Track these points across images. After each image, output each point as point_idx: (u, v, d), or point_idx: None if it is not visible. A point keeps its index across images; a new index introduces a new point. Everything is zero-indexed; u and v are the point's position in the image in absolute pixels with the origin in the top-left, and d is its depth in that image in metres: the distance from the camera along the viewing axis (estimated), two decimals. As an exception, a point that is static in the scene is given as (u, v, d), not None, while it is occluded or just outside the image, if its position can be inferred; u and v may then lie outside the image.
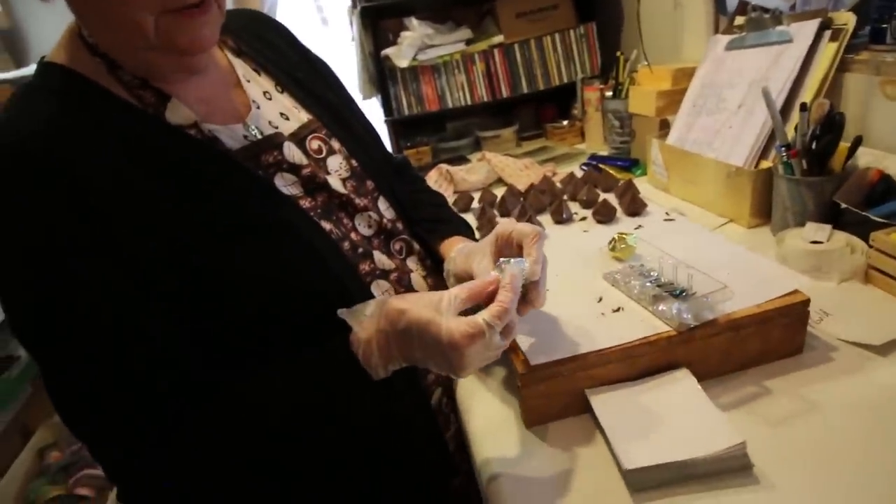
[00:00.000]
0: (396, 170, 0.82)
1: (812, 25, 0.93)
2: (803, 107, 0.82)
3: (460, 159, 1.62)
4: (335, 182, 0.63)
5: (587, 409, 0.59)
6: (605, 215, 0.94)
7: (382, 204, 0.69)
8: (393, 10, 1.64)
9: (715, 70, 1.10)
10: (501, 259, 0.54)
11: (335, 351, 0.51)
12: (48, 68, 0.54)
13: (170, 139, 0.54)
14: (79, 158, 0.49)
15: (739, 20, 1.11)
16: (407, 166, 0.88)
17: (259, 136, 0.59)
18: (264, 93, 0.65)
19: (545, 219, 1.00)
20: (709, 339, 0.60)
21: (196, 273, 0.51)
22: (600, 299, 0.68)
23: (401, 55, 1.59)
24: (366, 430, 0.58)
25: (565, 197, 1.05)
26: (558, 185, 1.14)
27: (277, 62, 0.69)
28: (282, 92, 0.67)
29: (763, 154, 0.96)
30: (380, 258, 0.64)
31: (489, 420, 0.63)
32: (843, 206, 0.80)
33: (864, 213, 0.77)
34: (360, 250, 0.62)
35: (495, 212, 1.07)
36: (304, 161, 0.61)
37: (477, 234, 0.97)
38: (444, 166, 1.36)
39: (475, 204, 1.18)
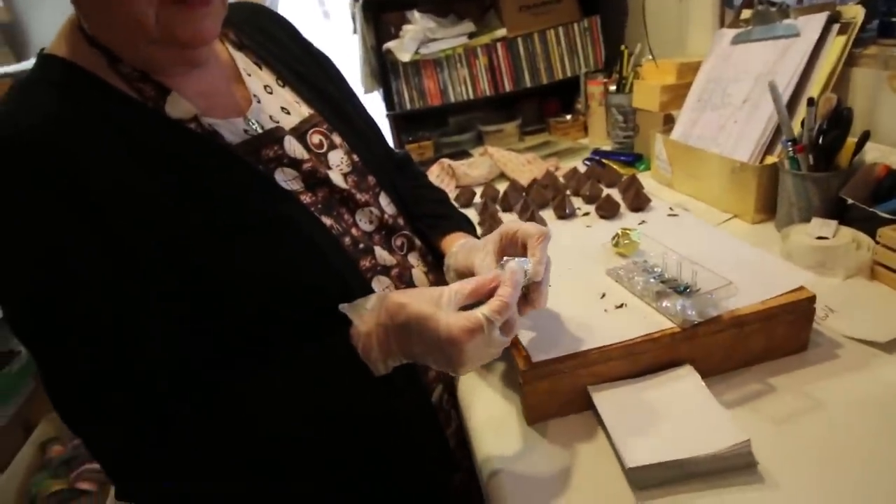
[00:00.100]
0: (398, 165, 0.81)
1: (820, 19, 0.92)
2: (811, 101, 0.81)
3: (462, 154, 1.61)
4: (336, 177, 0.63)
5: (589, 405, 0.59)
6: (608, 210, 0.93)
7: (384, 199, 0.68)
8: (395, 3, 1.63)
9: (720, 64, 1.09)
10: (505, 258, 0.54)
11: (335, 346, 0.51)
12: (48, 60, 0.53)
13: (169, 133, 0.53)
14: (78, 152, 0.48)
15: (746, 14, 1.10)
16: (408, 161, 0.87)
17: (259, 131, 0.59)
18: (265, 87, 0.64)
19: (548, 214, 0.99)
20: (713, 336, 0.60)
21: (195, 268, 0.51)
22: (603, 295, 0.67)
23: (403, 49, 1.57)
24: (366, 427, 0.58)
25: (568, 192, 1.05)
26: (561, 179, 1.13)
27: (279, 56, 0.68)
28: (283, 86, 0.66)
29: (768, 149, 0.95)
30: (381, 254, 0.64)
31: (490, 416, 0.63)
32: (850, 201, 0.80)
33: (870, 209, 0.77)
34: (361, 246, 0.62)
35: (497, 207, 1.06)
36: (305, 156, 0.60)
37: (479, 230, 0.97)
38: (445, 161, 1.35)
39: (477, 199, 1.18)
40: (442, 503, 0.70)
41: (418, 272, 0.69)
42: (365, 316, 0.51)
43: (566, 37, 1.64)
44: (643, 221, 0.89)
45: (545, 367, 0.57)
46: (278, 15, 0.75)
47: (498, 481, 0.55)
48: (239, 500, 0.54)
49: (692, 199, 1.07)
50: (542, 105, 1.78)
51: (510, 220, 0.98)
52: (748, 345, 0.61)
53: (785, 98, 0.90)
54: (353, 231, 0.63)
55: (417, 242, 0.71)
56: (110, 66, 0.53)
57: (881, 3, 0.91)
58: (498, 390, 0.66)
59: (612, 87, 1.38)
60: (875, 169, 0.81)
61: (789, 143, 0.84)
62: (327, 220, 0.60)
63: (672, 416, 0.54)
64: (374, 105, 1.77)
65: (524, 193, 1.07)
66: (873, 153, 0.83)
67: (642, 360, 0.59)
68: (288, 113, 0.63)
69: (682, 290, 0.62)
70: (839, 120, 0.81)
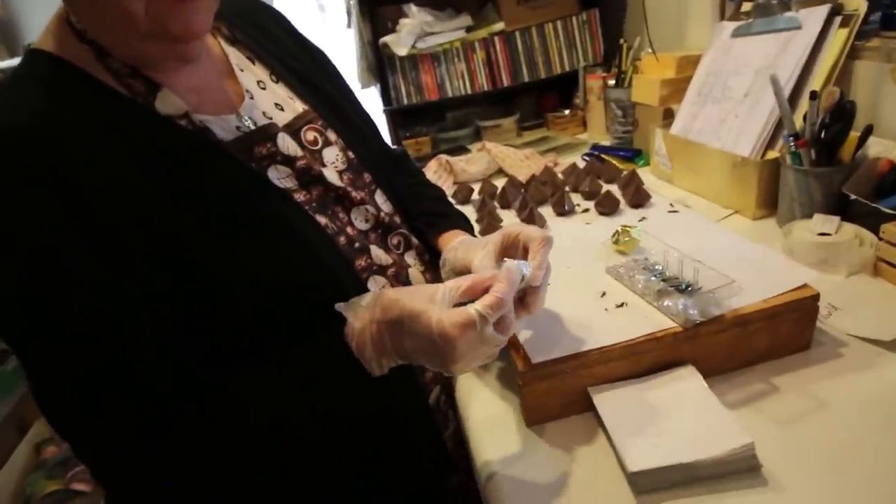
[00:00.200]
0: (395, 162, 0.80)
1: (822, 11, 0.91)
2: (813, 95, 0.80)
3: (460, 149, 1.60)
4: (331, 174, 0.61)
5: (589, 407, 0.58)
6: (607, 207, 0.92)
7: (380, 197, 0.67)
8: (391, -4, 1.61)
9: (721, 58, 1.08)
10: (506, 259, 0.53)
11: (329, 344, 0.50)
12: (35, 56, 0.52)
13: (159, 130, 0.52)
14: (67, 148, 0.47)
15: (746, 6, 1.09)
16: (405, 158, 0.86)
17: (252, 127, 0.57)
18: (258, 82, 0.62)
19: (546, 210, 0.98)
20: (715, 336, 0.59)
21: (188, 266, 0.50)
22: (603, 294, 0.66)
23: (399, 43, 1.56)
24: (363, 427, 0.57)
25: (567, 188, 1.03)
26: (560, 175, 1.12)
27: (273, 51, 0.67)
28: (277, 81, 0.65)
29: (769, 144, 0.94)
30: (377, 253, 0.62)
31: (488, 418, 0.62)
32: (853, 197, 0.78)
33: (873, 205, 0.76)
34: (357, 245, 0.61)
35: (496, 204, 1.05)
36: (299, 153, 0.59)
37: (477, 228, 0.96)
38: (443, 157, 1.34)
39: (475, 195, 1.16)
40: (440, 505, 0.69)
41: (415, 271, 0.68)
42: (360, 313, 0.50)
43: (564, 30, 1.62)
44: (643, 218, 0.88)
45: (545, 368, 0.56)
46: (272, 8, 0.73)
47: (496, 484, 0.54)
48: (235, 500, 0.53)
49: (692, 194, 1.06)
50: (540, 100, 1.77)
51: (512, 222, 0.97)
52: (751, 344, 0.60)
53: (786, 92, 0.89)
54: (349, 230, 0.61)
55: (414, 241, 0.70)
56: (99, 60, 0.51)
57: (884, -5, 0.90)
58: (496, 391, 0.66)
59: (611, 82, 1.37)
60: (878, 164, 0.80)
61: (791, 138, 0.83)
62: (322, 219, 0.58)
63: (674, 418, 0.53)
64: (371, 100, 1.76)
65: (523, 190, 1.06)
66: (876, 147, 0.82)
67: (643, 360, 0.58)
68: (282, 109, 0.62)
69: (684, 289, 0.61)
70: (842, 114, 0.80)
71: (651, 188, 0.97)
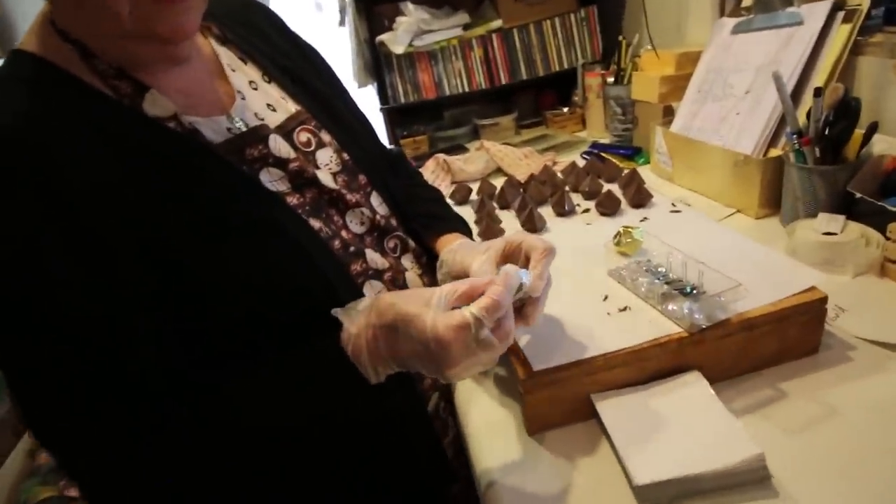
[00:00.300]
0: (391, 163, 0.78)
1: (824, 7, 0.89)
2: (817, 92, 0.79)
3: (458, 148, 1.58)
4: (325, 177, 0.60)
5: (592, 414, 0.56)
6: (608, 207, 0.90)
7: (375, 199, 0.65)
8: (387, -6, 1.59)
9: (721, 54, 1.06)
10: (507, 265, 0.51)
11: (325, 349, 0.49)
12: (17, 57, 0.51)
13: (147, 132, 0.50)
14: (52, 150, 0.46)
15: (746, 2, 1.07)
16: (402, 159, 0.84)
17: (244, 129, 0.56)
18: (250, 83, 0.61)
19: (546, 211, 0.96)
20: (721, 340, 0.57)
21: (176, 269, 0.48)
22: (606, 297, 0.64)
23: (396, 41, 1.54)
24: (359, 435, 0.56)
25: (567, 188, 1.02)
26: (559, 175, 1.10)
27: (265, 50, 0.65)
28: (269, 82, 0.63)
29: (772, 141, 0.92)
30: (372, 257, 0.61)
31: (489, 425, 0.61)
32: (858, 195, 0.77)
33: (879, 203, 0.74)
34: (352, 249, 0.59)
35: (494, 204, 1.03)
36: (292, 154, 0.57)
37: (475, 229, 0.94)
38: (441, 156, 1.32)
39: (473, 196, 1.15)
40: (440, 514, 0.68)
41: (412, 275, 0.66)
42: (356, 318, 0.49)
43: (563, 28, 1.60)
44: (645, 218, 0.86)
45: (547, 375, 0.55)
46: (265, 7, 0.71)
47: (496, 493, 0.53)
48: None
49: (693, 193, 1.04)
50: (538, 98, 1.75)
51: (512, 223, 0.95)
52: (758, 348, 0.58)
53: (788, 89, 0.87)
54: (344, 233, 0.60)
55: (411, 244, 0.68)
56: (84, 61, 0.50)
57: (888, -10, 0.88)
58: (496, 397, 0.64)
59: (610, 79, 1.35)
60: (883, 161, 0.78)
61: (794, 136, 0.82)
62: (316, 223, 0.57)
63: (680, 427, 0.52)
64: (368, 99, 1.74)
65: (522, 190, 1.04)
66: (881, 145, 0.81)
67: (648, 366, 0.57)
68: (274, 110, 0.60)
69: (689, 292, 0.59)
70: (846, 111, 0.78)
71: (651, 187, 0.95)
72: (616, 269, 0.68)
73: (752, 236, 0.74)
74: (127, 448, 0.47)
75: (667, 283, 0.62)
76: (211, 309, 0.50)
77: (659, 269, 0.65)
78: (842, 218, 0.77)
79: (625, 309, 0.62)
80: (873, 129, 0.78)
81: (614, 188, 0.96)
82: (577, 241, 0.82)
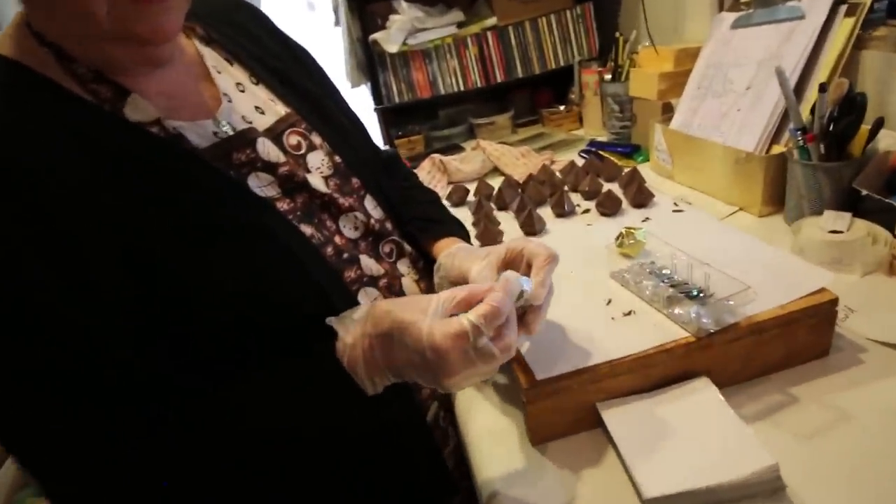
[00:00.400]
0: (385, 165, 0.76)
1: (826, 0, 0.87)
2: (822, 87, 0.77)
3: (454, 148, 1.56)
4: (316, 181, 0.58)
5: (597, 423, 0.55)
6: (609, 207, 0.88)
7: (369, 203, 0.63)
8: (380, -8, 1.56)
9: (721, 50, 1.04)
10: (508, 272, 0.49)
11: (319, 359, 0.47)
12: None
13: (127, 137, 0.48)
14: (27, 156, 0.44)
15: (746, -4, 1.05)
16: (396, 161, 0.82)
17: (230, 133, 0.54)
18: (237, 84, 0.59)
19: (545, 212, 0.94)
20: (729, 345, 0.55)
21: (163, 278, 0.46)
22: (609, 301, 0.63)
23: (390, 40, 1.51)
24: (355, 446, 0.54)
25: (566, 188, 1.00)
26: (558, 174, 1.08)
27: (252, 51, 0.63)
28: (257, 83, 0.61)
29: (774, 138, 0.91)
30: (367, 263, 0.59)
31: (490, 434, 0.59)
32: (864, 192, 0.75)
33: (886, 201, 0.72)
34: (346, 255, 0.57)
35: (492, 205, 1.01)
36: (282, 158, 0.55)
37: (473, 231, 0.92)
38: (437, 156, 1.30)
39: (471, 197, 1.12)
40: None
41: (409, 280, 0.64)
42: (351, 327, 0.47)
43: (558, 24, 1.58)
44: (647, 218, 0.84)
45: (550, 384, 0.53)
46: (252, 7, 0.69)
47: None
48: None
49: (694, 190, 1.02)
50: (534, 96, 1.73)
51: (511, 225, 0.93)
52: (767, 352, 0.57)
53: (790, 84, 0.86)
54: (337, 239, 0.58)
55: (407, 248, 0.66)
56: (61, 65, 0.48)
57: (891, -18, 0.86)
58: (497, 406, 0.62)
59: (608, 76, 1.33)
60: (889, 157, 0.77)
61: (798, 132, 0.80)
62: (307, 229, 0.55)
63: (690, 436, 0.50)
64: (362, 99, 1.71)
65: (520, 190, 1.02)
66: (887, 140, 0.79)
67: (654, 372, 0.55)
68: (262, 112, 0.58)
69: (695, 295, 0.57)
70: (851, 106, 0.76)
71: (651, 185, 0.93)
72: (619, 272, 0.66)
73: (756, 235, 0.72)
74: (108, 453, 0.45)
75: (672, 285, 0.60)
76: (198, 316, 0.48)
77: (663, 272, 0.63)
78: (848, 215, 0.75)
79: (629, 313, 0.60)
80: (879, 124, 0.77)
81: (614, 187, 0.94)
82: (578, 242, 0.80)
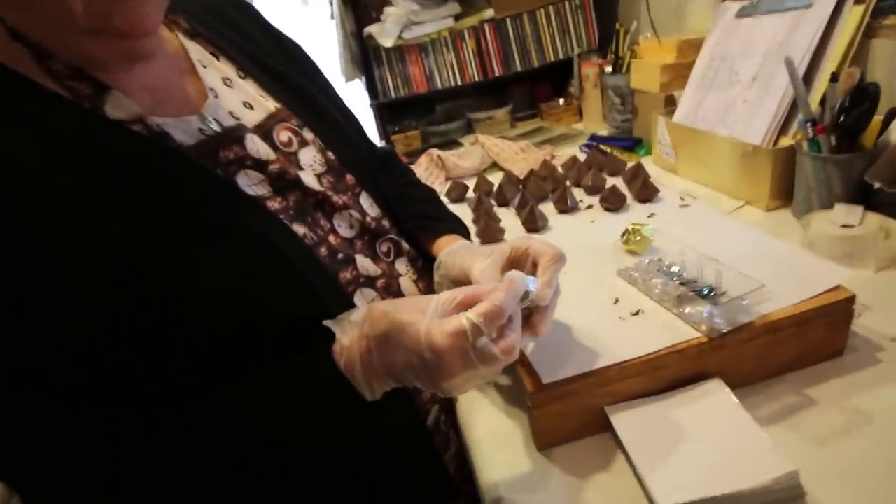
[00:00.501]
0: (381, 161, 0.73)
1: (834, -13, 0.85)
2: (834, 77, 0.74)
3: (452, 143, 1.54)
4: (309, 178, 0.55)
5: (605, 427, 0.52)
6: (613, 203, 0.86)
7: (365, 200, 0.61)
8: (375, -15, 1.53)
9: (726, 40, 1.02)
10: (512, 271, 0.47)
11: (316, 363, 0.45)
12: None
13: (107, 135, 0.45)
14: None
15: (751, -16, 1.02)
16: (392, 157, 0.79)
17: (217, 129, 0.51)
18: (224, 79, 0.56)
19: (548, 208, 0.92)
20: (743, 345, 0.53)
21: (149, 284, 0.44)
22: (616, 301, 0.60)
23: (385, 34, 1.49)
24: (352, 452, 0.51)
25: (568, 183, 0.97)
26: (560, 169, 1.06)
27: (240, 45, 0.60)
28: (245, 78, 0.58)
29: (782, 130, 0.88)
30: (363, 263, 0.56)
31: (494, 438, 0.57)
32: (876, 185, 0.73)
33: (899, 193, 0.70)
34: (341, 256, 0.55)
35: (493, 202, 0.99)
36: (272, 155, 0.53)
37: (473, 228, 0.90)
38: (434, 151, 1.27)
39: (470, 193, 1.10)
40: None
41: (407, 280, 0.62)
42: (349, 329, 0.45)
43: (557, 16, 1.55)
44: (652, 214, 0.82)
45: (557, 388, 0.51)
46: None
47: (503, 510, 0.49)
48: None
49: (699, 185, 1.00)
50: (533, 89, 1.71)
51: (512, 222, 0.91)
52: (780, 352, 0.55)
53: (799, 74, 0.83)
54: (331, 239, 0.55)
55: (405, 246, 0.64)
56: (37, 62, 0.45)
57: (902, -32, 0.84)
58: (501, 408, 0.60)
59: (608, 68, 1.31)
60: (901, 149, 0.74)
61: (808, 124, 0.78)
62: (300, 228, 0.52)
63: (703, 440, 0.47)
64: (357, 94, 1.69)
65: (521, 186, 1.00)
66: (898, 131, 0.77)
67: (665, 374, 0.53)
68: (251, 108, 0.55)
69: (706, 294, 0.55)
70: (863, 96, 0.74)
71: (655, 179, 0.91)
72: (626, 270, 0.64)
73: (764, 229, 0.70)
74: (106, 453, 0.43)
75: (682, 284, 0.58)
76: (187, 318, 0.46)
77: (672, 269, 0.60)
78: (860, 209, 0.73)
79: (637, 313, 0.58)
80: (893, 114, 0.74)
81: (618, 182, 0.92)
82: (582, 239, 0.78)
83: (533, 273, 0.50)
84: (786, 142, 0.86)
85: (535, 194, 0.95)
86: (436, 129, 1.66)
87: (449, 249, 0.61)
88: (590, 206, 0.90)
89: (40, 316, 0.41)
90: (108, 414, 0.44)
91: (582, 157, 1.11)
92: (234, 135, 0.51)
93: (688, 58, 1.09)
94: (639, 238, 0.69)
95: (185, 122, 0.50)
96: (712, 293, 0.55)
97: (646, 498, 0.46)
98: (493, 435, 0.57)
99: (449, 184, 1.12)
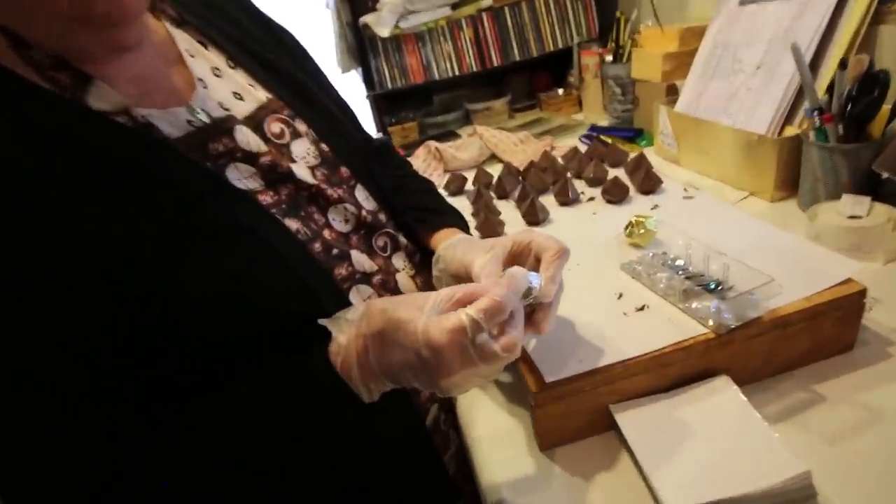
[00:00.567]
0: (377, 153, 0.71)
1: (841, -28, 0.83)
2: (843, 63, 0.72)
3: (449, 135, 1.52)
4: (302, 171, 0.53)
5: (610, 426, 0.51)
6: (615, 195, 0.84)
7: (360, 193, 0.59)
8: (370, -27, 1.51)
9: (728, 27, 1.00)
10: (514, 267, 0.45)
11: (311, 363, 0.44)
12: None
13: (90, 127, 0.44)
14: None
15: (755, -30, 1.00)
16: (388, 148, 0.77)
17: (206, 121, 0.49)
18: (213, 69, 0.54)
19: (548, 200, 0.90)
20: (751, 341, 0.51)
21: (137, 282, 0.42)
22: (620, 295, 0.59)
23: (381, 23, 1.46)
24: (350, 453, 0.50)
25: (569, 174, 0.95)
26: (560, 161, 1.04)
27: (229, 33, 0.58)
28: (234, 68, 0.56)
29: (787, 119, 0.86)
30: (359, 259, 0.55)
31: (495, 436, 0.55)
32: (885, 175, 0.71)
33: (908, 183, 0.69)
34: (335, 251, 0.53)
35: (492, 194, 0.97)
36: (263, 148, 0.51)
37: (472, 222, 0.88)
38: (432, 143, 1.25)
39: (469, 186, 1.08)
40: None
41: (404, 276, 0.60)
42: (346, 327, 0.44)
43: (556, 5, 1.53)
44: (656, 206, 0.80)
45: (560, 387, 0.49)
46: None
47: (504, 511, 0.48)
48: None
49: (702, 176, 0.98)
50: (532, 79, 1.68)
51: (513, 215, 0.89)
52: (789, 347, 0.53)
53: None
54: (326, 233, 0.54)
55: (402, 240, 0.62)
56: (16, 51, 0.43)
57: (911, -49, 0.82)
58: (502, 405, 0.59)
59: (608, 58, 1.29)
60: (911, 138, 0.73)
61: (815, 113, 0.76)
62: (293, 223, 0.50)
63: (711, 439, 0.46)
64: (353, 85, 1.66)
65: (521, 178, 0.98)
66: (906, 120, 0.75)
67: (671, 372, 0.51)
68: (241, 98, 0.53)
69: (713, 288, 0.53)
70: (872, 84, 0.72)
71: (657, 170, 0.89)
72: (629, 263, 0.62)
73: (769, 221, 0.68)
74: (106, 454, 0.43)
75: (687, 277, 0.56)
76: (178, 316, 0.45)
77: (677, 263, 0.59)
78: (867, 199, 0.71)
79: (642, 308, 0.56)
80: (901, 102, 0.72)
81: (620, 174, 0.90)
82: (584, 232, 0.76)
83: (535, 268, 0.48)
84: (791, 131, 0.84)
85: (536, 186, 0.93)
86: (433, 121, 1.64)
87: (448, 243, 0.59)
88: (591, 199, 0.88)
89: (28, 315, 0.40)
90: (107, 414, 0.43)
91: (583, 148, 1.09)
92: (224, 126, 0.50)
93: (690, 46, 1.07)
94: (642, 231, 0.67)
95: (171, 114, 0.48)
96: (719, 287, 0.53)
97: (652, 499, 0.45)
98: (493, 434, 0.56)
99: (447, 176, 1.10)
